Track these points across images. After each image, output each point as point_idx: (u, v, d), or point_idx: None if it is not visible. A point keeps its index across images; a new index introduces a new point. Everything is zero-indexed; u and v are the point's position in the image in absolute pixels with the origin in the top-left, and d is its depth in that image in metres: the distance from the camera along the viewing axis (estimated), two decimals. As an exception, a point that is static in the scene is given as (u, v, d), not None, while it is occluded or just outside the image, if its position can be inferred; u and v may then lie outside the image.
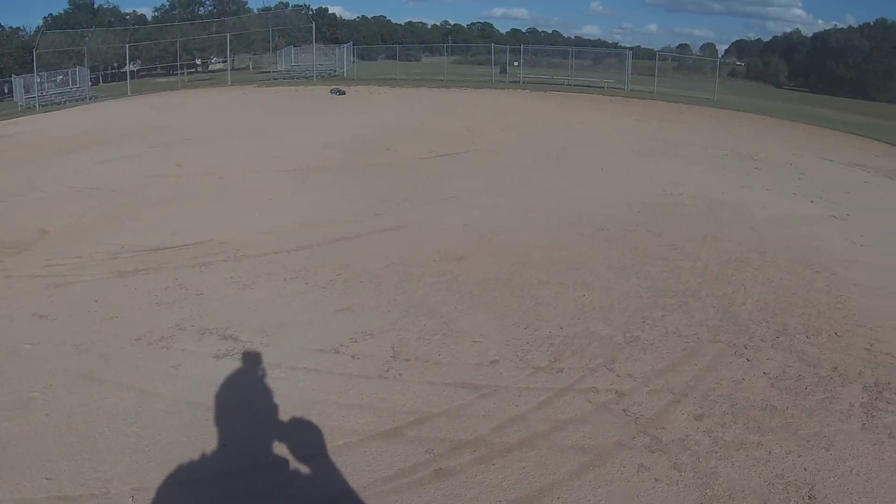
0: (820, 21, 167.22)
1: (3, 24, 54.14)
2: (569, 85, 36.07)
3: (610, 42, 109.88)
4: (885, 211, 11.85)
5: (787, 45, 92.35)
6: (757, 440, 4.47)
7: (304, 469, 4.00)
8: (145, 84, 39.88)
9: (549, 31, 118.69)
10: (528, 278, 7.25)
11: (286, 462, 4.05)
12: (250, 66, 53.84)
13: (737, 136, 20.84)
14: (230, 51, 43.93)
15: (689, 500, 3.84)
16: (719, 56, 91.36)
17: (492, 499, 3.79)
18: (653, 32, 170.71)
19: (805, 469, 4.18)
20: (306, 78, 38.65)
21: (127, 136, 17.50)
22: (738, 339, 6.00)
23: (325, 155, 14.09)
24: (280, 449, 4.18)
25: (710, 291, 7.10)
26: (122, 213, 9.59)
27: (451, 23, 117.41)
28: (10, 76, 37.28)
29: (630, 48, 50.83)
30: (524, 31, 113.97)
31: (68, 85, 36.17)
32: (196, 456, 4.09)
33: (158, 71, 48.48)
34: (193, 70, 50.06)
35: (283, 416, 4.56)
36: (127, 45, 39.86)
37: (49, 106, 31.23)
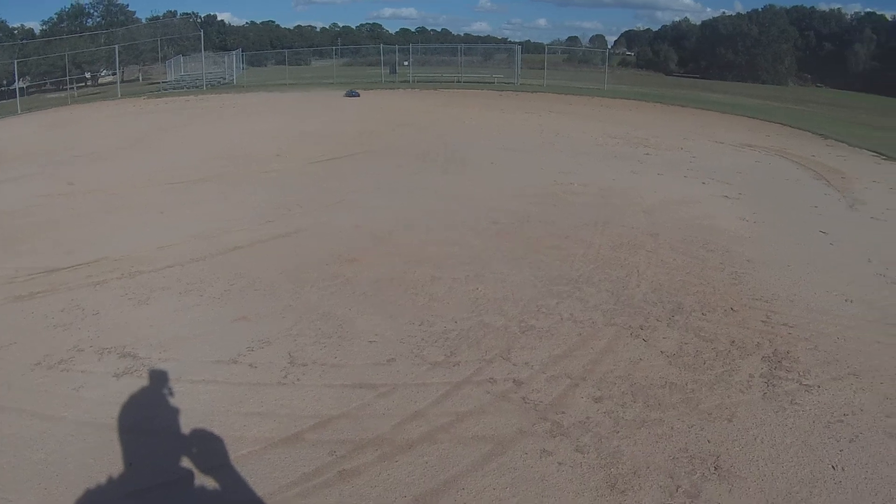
0: (709, 10, 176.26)
1: None
2: (459, 82, 37.11)
3: (500, 38, 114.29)
4: (776, 188, 12.74)
5: (677, 34, 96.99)
6: (658, 417, 4.73)
7: (209, 482, 4.01)
8: (35, 101, 37.91)
9: (439, 30, 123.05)
10: (421, 275, 7.40)
11: (192, 476, 4.05)
12: (140, 78, 52.54)
13: (627, 124, 21.88)
14: (119, 63, 42.59)
15: (594, 481, 4.02)
16: (609, 47, 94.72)
17: (396, 495, 3.88)
18: (542, 27, 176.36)
19: (709, 441, 4.46)
20: (196, 87, 37.96)
21: (16, 157, 16.72)
22: (633, 320, 6.33)
23: (216, 165, 13.90)
24: (185, 463, 4.17)
25: (604, 276, 7.46)
26: (13, 235, 9.20)
27: (341, 25, 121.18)
28: None
29: (519, 43, 52.62)
30: (413, 30, 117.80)
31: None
32: (103, 479, 4.03)
33: (48, 87, 46.44)
34: (83, 84, 48.27)
35: (186, 430, 4.54)
36: (15, 61, 37.92)
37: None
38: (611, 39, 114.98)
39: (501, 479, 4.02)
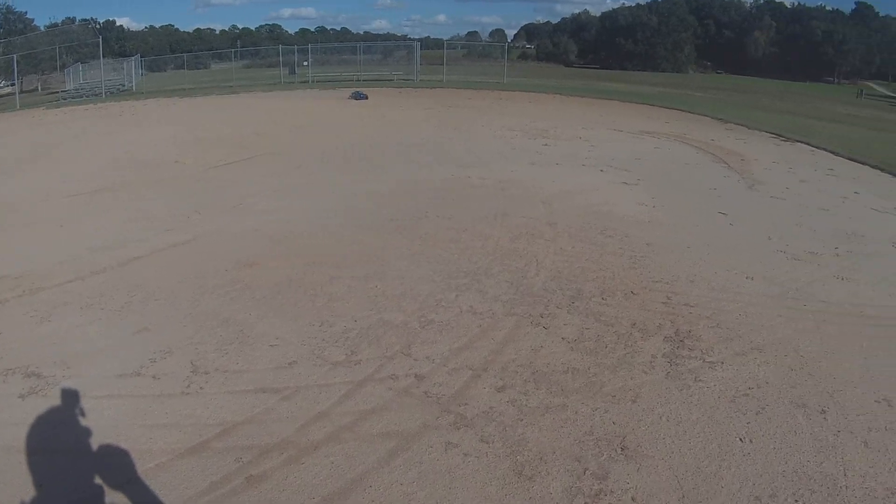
0: (608, 1, 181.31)
1: None
2: (358, 80, 37.47)
3: (400, 35, 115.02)
4: (675, 173, 13.32)
5: (577, 26, 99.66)
6: (562, 402, 4.89)
7: (119, 498, 3.95)
8: (-70, 117, 36.09)
9: (339, 29, 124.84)
10: (320, 276, 7.44)
11: (102, 493, 3.98)
12: (39, 88, 50.55)
13: (526, 116, 22.42)
14: (17, 73, 40.80)
15: (501, 469, 4.14)
16: (509, 41, 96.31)
17: (304, 497, 3.92)
18: (442, 23, 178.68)
19: (614, 423, 4.65)
20: (95, 95, 36.75)
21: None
22: (533, 309, 6.51)
23: (116, 174, 13.51)
24: (96, 480, 4.10)
25: (503, 267, 7.64)
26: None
27: (240, 27, 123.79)
28: None
29: (419, 40, 53.10)
30: (313, 30, 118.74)
31: None
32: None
33: (-55, 101, 44.18)
34: (-21, 97, 46.19)
35: (94, 446, 4.46)
36: (-90, 76, 36.19)
37: None
38: (511, 33, 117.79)
39: (408, 474, 4.10)
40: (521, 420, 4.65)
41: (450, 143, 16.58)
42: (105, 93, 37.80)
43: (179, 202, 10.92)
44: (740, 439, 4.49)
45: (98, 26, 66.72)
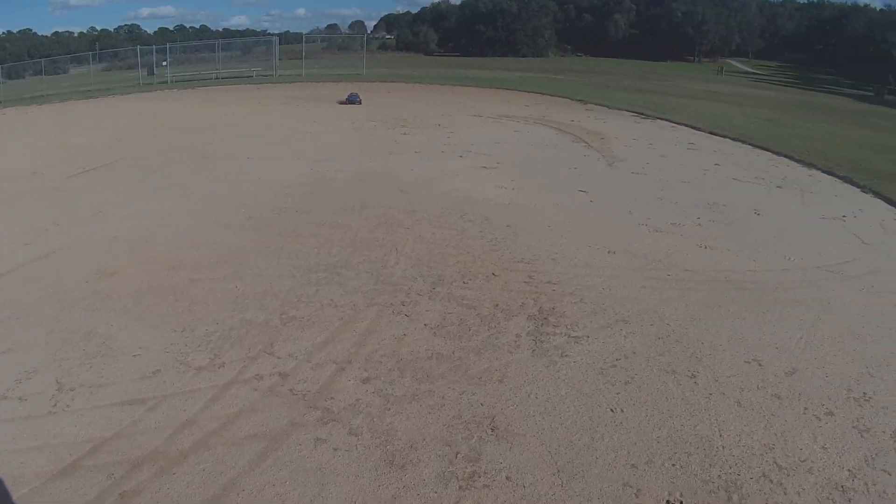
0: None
1: None
2: (217, 78, 36.79)
3: (259, 30, 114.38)
4: (534, 155, 13.74)
5: (436, 15, 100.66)
6: (428, 389, 4.98)
7: None
8: None
9: (198, 27, 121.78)
10: (179, 280, 7.28)
11: None
12: None
13: (385, 105, 22.61)
14: None
15: (372, 461, 4.19)
16: (368, 32, 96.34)
17: (181, 506, 3.88)
18: (302, 17, 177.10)
19: (482, 404, 4.76)
20: None
21: None
22: (394, 298, 6.60)
23: None
24: None
25: (363, 258, 7.70)
26: None
27: (98, 28, 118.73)
28: None
29: (278, 34, 52.58)
30: (172, 28, 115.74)
31: None
32: None
33: None
34: None
35: None
36: None
37: None
38: (370, 24, 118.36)
39: (279, 473, 4.11)
40: (389, 409, 4.71)
41: (308, 137, 16.49)
42: (-42, 105, 35.75)
43: (38, 215, 10.49)
44: (612, 410, 4.69)
45: (-46, 33, 63.13)
